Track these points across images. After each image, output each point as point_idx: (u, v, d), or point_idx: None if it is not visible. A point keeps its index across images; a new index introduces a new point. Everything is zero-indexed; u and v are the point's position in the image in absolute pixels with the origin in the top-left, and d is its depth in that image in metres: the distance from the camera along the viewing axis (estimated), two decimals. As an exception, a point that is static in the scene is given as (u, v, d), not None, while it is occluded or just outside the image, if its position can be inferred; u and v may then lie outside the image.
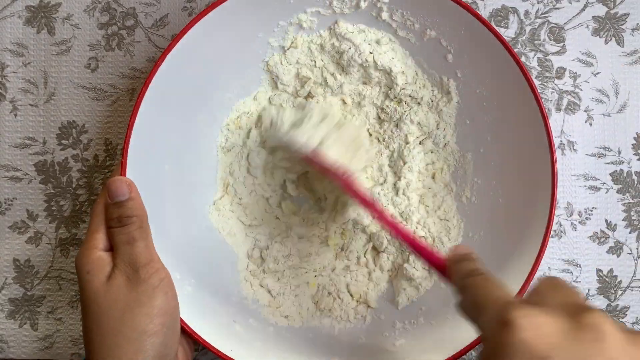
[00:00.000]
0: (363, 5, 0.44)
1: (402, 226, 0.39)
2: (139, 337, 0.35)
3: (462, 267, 0.33)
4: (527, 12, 0.50)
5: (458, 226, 0.47)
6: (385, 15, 0.44)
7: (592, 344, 0.25)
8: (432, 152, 0.48)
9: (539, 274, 0.48)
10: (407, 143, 0.47)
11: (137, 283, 0.36)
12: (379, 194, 0.47)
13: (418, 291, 0.46)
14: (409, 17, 0.44)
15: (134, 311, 0.36)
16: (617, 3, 0.50)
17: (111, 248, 0.38)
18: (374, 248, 0.48)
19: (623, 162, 0.50)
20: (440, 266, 0.36)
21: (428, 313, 0.45)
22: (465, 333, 0.41)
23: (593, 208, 0.50)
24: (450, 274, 0.34)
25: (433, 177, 0.48)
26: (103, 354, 0.35)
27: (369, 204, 0.42)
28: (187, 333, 0.40)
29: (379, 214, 0.41)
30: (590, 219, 0.49)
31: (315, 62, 0.46)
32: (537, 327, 0.26)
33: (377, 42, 0.46)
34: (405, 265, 0.46)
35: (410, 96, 0.46)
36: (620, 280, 0.49)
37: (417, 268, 0.46)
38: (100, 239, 0.38)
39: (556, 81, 0.50)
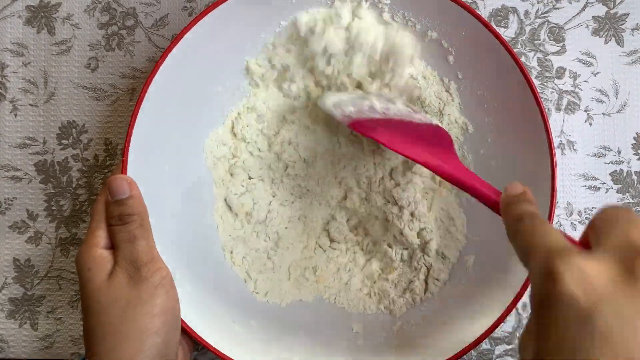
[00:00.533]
0: (364, 5, 0.44)
1: (455, 168, 0.38)
2: (140, 335, 0.35)
3: (513, 209, 0.31)
4: (527, 12, 0.50)
5: (460, 223, 0.47)
6: (386, 16, 0.44)
7: None
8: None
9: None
10: None
11: (138, 281, 0.36)
12: (378, 185, 0.47)
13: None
14: (410, 17, 0.44)
15: (135, 309, 0.35)
16: (617, 3, 0.50)
17: (112, 246, 0.38)
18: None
19: (623, 162, 0.50)
20: (494, 204, 0.34)
21: (427, 314, 0.45)
22: (464, 334, 0.41)
23: (593, 208, 0.50)
24: (502, 216, 0.32)
25: (433, 178, 0.48)
26: (104, 352, 0.35)
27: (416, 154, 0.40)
28: (186, 332, 0.40)
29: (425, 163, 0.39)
30: (590, 218, 0.49)
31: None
32: (582, 278, 0.24)
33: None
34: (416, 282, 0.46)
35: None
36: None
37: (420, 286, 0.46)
38: (101, 237, 0.38)
39: (556, 81, 0.50)
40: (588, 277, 0.24)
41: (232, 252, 0.46)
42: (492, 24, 0.49)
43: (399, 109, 0.43)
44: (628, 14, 0.50)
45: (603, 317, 0.23)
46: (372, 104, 0.43)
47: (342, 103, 0.43)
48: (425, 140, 0.41)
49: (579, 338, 0.23)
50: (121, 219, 0.37)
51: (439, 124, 0.45)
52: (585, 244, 0.28)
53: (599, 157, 0.50)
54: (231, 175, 0.47)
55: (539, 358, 0.25)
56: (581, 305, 0.23)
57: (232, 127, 0.47)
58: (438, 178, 0.48)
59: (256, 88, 0.47)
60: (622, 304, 0.23)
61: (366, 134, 0.41)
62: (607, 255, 0.25)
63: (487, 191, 0.36)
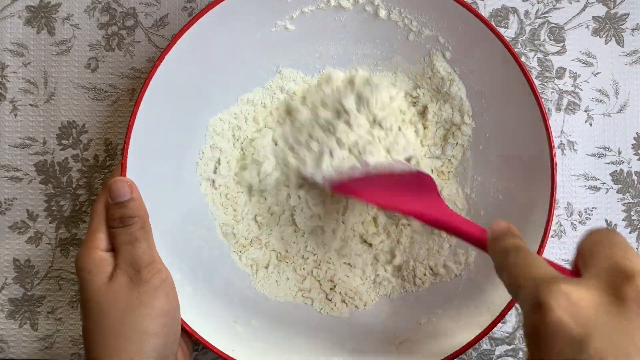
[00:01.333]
0: (360, 2, 0.44)
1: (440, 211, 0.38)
2: (140, 337, 0.35)
3: (500, 244, 0.31)
4: (527, 12, 0.50)
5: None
6: (383, 12, 0.44)
7: (636, 320, 0.23)
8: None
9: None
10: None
11: (138, 283, 0.36)
12: None
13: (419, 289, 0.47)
14: (406, 14, 0.44)
15: (135, 311, 0.35)
16: (617, 3, 0.50)
17: (112, 248, 0.38)
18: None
19: (623, 162, 0.50)
20: (481, 242, 0.35)
21: (428, 312, 0.45)
22: (466, 332, 0.41)
23: (593, 208, 0.50)
24: (489, 252, 0.32)
25: (432, 171, 0.48)
26: (103, 354, 0.35)
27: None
28: (187, 333, 0.40)
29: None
30: (590, 219, 0.49)
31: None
32: (571, 305, 0.24)
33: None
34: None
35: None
36: None
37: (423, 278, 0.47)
38: (101, 239, 0.38)
39: (556, 81, 0.50)
40: (576, 304, 0.24)
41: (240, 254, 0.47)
42: (492, 24, 0.49)
43: (378, 161, 0.44)
44: (628, 14, 0.50)
45: (595, 344, 0.23)
46: (352, 164, 0.44)
47: (322, 167, 0.44)
48: (408, 189, 0.42)
49: None
50: (122, 221, 0.37)
51: (420, 170, 0.45)
52: (576, 271, 0.28)
53: (599, 157, 0.50)
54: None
55: None
56: (572, 333, 0.24)
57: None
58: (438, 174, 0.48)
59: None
60: (612, 330, 0.23)
61: (348, 194, 0.42)
62: (594, 280, 0.25)
63: (472, 230, 0.36)
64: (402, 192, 0.42)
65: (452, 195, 0.47)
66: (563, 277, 0.26)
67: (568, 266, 0.30)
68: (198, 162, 0.46)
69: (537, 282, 0.26)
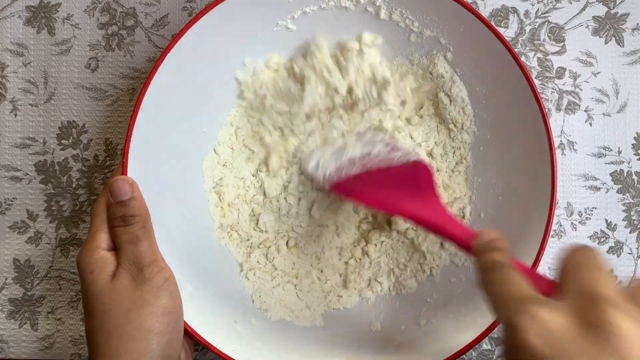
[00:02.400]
0: (362, 3, 0.44)
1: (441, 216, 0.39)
2: (145, 336, 0.35)
3: (485, 258, 0.32)
4: (527, 12, 0.50)
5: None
6: (384, 13, 0.44)
7: (603, 346, 0.24)
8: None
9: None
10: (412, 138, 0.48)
11: (141, 282, 0.36)
12: None
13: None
14: (408, 15, 0.44)
15: (139, 310, 0.35)
16: (617, 3, 0.50)
17: (113, 248, 0.38)
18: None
19: (623, 162, 0.50)
20: (468, 249, 0.35)
21: (428, 313, 0.45)
22: (466, 333, 0.41)
23: (593, 208, 0.50)
24: (475, 265, 0.33)
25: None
26: (108, 354, 0.35)
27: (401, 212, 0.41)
28: (188, 333, 0.40)
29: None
30: (590, 219, 0.49)
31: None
32: (542, 328, 0.25)
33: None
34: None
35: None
36: (620, 281, 0.49)
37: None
38: (102, 239, 0.37)
39: (556, 81, 0.50)
40: (547, 327, 0.25)
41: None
42: (492, 24, 0.49)
43: (378, 153, 0.44)
44: (628, 14, 0.50)
45: None
46: (353, 156, 0.44)
47: (322, 164, 0.45)
48: (404, 185, 0.42)
49: None
50: (124, 220, 0.37)
51: (419, 158, 0.45)
52: (556, 285, 0.28)
53: (599, 157, 0.50)
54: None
55: None
56: (542, 356, 0.24)
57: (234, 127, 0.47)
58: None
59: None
60: (579, 354, 0.24)
61: (345, 196, 0.44)
62: (565, 303, 0.26)
63: (462, 237, 0.36)
64: (399, 189, 0.42)
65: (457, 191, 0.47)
66: (539, 297, 0.27)
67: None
68: (198, 162, 0.46)
69: (513, 302, 0.27)
